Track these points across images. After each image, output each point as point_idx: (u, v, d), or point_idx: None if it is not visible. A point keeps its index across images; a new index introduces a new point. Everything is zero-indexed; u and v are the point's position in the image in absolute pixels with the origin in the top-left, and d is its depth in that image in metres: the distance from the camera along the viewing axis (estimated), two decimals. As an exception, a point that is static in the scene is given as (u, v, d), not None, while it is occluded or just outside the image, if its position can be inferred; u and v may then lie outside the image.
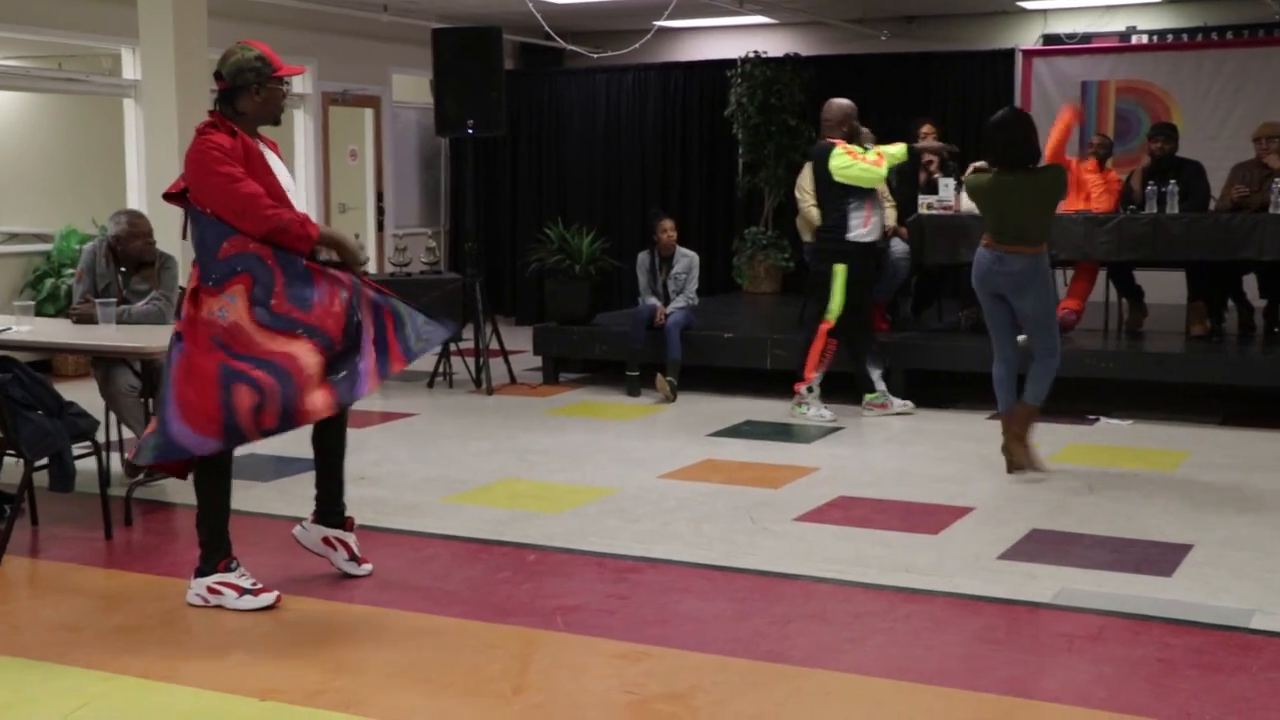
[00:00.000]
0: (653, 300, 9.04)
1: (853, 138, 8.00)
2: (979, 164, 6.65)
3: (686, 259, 9.13)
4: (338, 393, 4.49)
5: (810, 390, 8.03)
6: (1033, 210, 6.38)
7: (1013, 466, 6.54)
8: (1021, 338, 6.58)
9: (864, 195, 7.90)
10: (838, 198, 7.92)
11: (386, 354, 4.59)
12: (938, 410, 8.30)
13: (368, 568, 4.93)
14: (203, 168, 4.43)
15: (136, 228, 6.49)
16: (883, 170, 7.85)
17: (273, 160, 4.63)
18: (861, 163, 7.79)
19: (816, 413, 7.98)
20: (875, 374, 8.18)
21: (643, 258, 9.23)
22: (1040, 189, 6.39)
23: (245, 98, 4.53)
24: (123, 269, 6.49)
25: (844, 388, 8.22)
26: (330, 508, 4.90)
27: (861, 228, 7.92)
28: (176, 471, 4.78)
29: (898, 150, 7.94)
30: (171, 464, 4.66)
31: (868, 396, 8.15)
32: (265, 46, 4.60)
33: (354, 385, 4.52)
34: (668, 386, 8.71)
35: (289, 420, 4.44)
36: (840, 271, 7.91)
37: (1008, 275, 6.36)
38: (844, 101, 8.18)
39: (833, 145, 7.89)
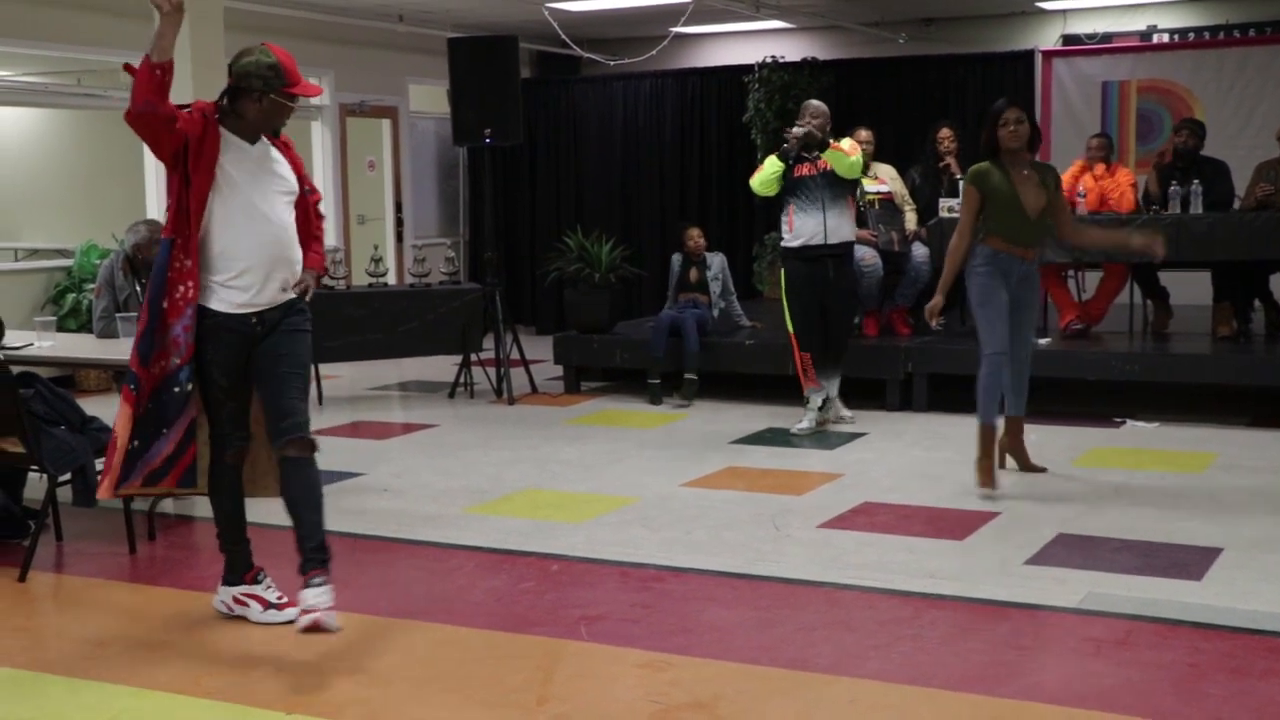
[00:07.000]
0: (670, 310, 9.12)
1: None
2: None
3: (718, 259, 9.40)
4: (118, 474, 4.37)
5: (807, 402, 7.98)
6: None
7: (1026, 468, 6.63)
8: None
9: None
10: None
11: (174, 465, 4.41)
12: (961, 415, 8.26)
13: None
14: None
15: (156, 234, 6.52)
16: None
17: (275, 158, 4.43)
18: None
19: (797, 426, 7.90)
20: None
21: (677, 258, 9.45)
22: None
23: (247, 102, 4.33)
24: (142, 281, 6.54)
25: (860, 392, 8.21)
26: (310, 555, 4.40)
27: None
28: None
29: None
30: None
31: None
32: (288, 57, 4.38)
33: (128, 474, 4.38)
34: (688, 388, 8.79)
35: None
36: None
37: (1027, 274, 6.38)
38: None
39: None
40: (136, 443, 4.37)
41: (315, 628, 4.19)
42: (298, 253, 4.47)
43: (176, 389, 4.32)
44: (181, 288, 4.28)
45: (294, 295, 4.44)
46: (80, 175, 12.79)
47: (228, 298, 4.34)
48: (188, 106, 4.33)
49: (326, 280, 8.86)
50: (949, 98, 12.09)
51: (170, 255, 4.29)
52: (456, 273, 10.05)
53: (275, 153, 4.45)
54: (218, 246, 4.31)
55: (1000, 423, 6.42)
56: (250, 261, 4.32)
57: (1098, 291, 9.08)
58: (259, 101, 4.32)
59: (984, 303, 6.27)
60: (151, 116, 4.14)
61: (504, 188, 13.89)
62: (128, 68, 4.17)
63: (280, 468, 4.39)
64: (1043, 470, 6.63)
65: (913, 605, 4.70)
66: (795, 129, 7.68)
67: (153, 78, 4.12)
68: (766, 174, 7.78)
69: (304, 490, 4.37)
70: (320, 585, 4.28)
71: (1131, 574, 5.00)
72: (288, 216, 4.43)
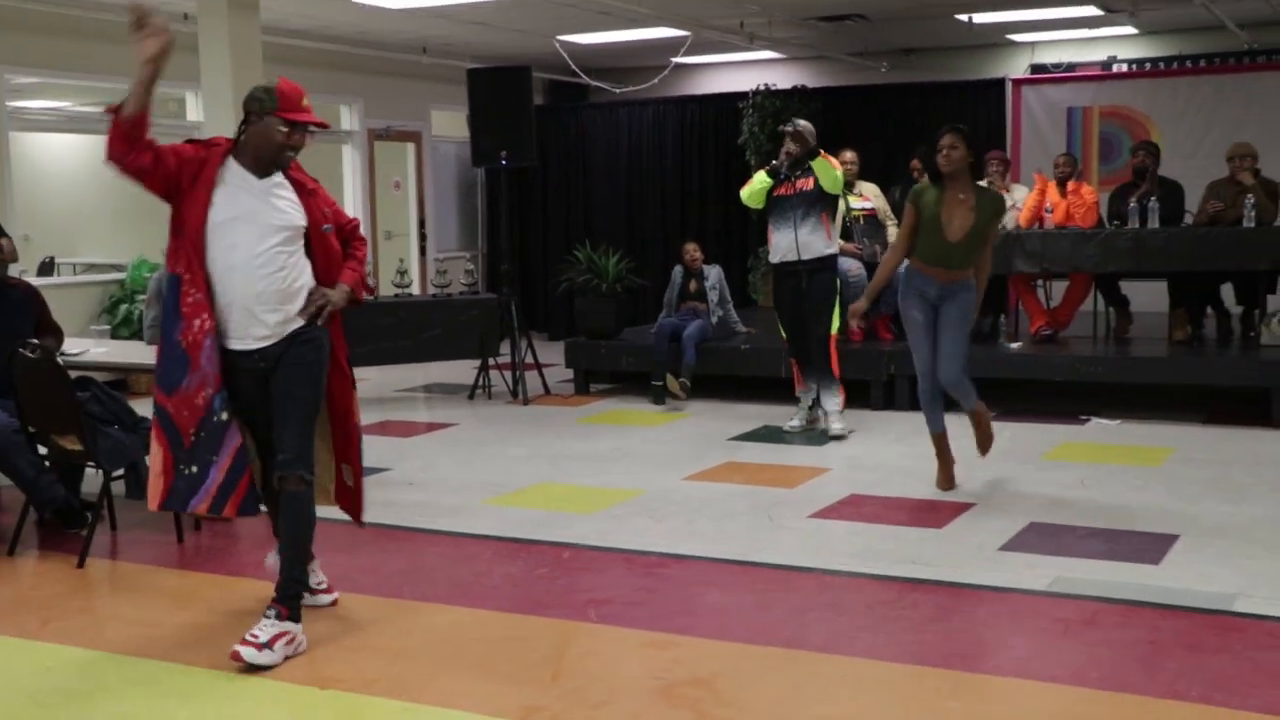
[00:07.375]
0: (671, 318, 9.11)
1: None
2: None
3: (715, 270, 9.35)
4: (169, 494, 4.14)
5: (799, 402, 7.99)
6: None
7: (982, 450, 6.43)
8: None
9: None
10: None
11: (230, 492, 4.12)
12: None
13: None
14: None
15: None
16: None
17: (281, 195, 4.12)
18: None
19: (790, 424, 7.89)
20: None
21: (678, 270, 9.39)
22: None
23: (247, 126, 4.11)
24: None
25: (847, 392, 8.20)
26: (278, 587, 4.19)
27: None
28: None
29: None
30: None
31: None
32: (292, 87, 4.13)
33: (189, 496, 4.13)
34: (679, 386, 8.77)
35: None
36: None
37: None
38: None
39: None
40: (195, 469, 4.13)
41: (235, 658, 3.97)
42: (291, 286, 4.12)
43: (215, 419, 4.07)
44: (197, 321, 4.04)
45: (302, 323, 4.15)
46: (131, 196, 12.66)
47: (228, 331, 4.11)
48: (205, 141, 4.16)
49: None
50: (927, 122, 12.04)
51: (180, 291, 4.05)
52: (475, 284, 10.05)
53: (286, 190, 4.15)
54: (214, 281, 4.07)
55: (947, 428, 6.25)
56: (231, 296, 4.07)
57: (1064, 299, 9.08)
58: (255, 124, 4.09)
59: (905, 326, 6.22)
60: (119, 166, 3.93)
61: (519, 205, 13.90)
62: (108, 110, 3.91)
63: (279, 497, 4.18)
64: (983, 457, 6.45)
65: (896, 588, 4.70)
66: (787, 126, 7.66)
67: (118, 129, 3.88)
68: (755, 186, 7.78)
69: (289, 527, 4.17)
70: (268, 618, 4.06)
71: (1096, 559, 5.00)
72: (277, 253, 4.07)
